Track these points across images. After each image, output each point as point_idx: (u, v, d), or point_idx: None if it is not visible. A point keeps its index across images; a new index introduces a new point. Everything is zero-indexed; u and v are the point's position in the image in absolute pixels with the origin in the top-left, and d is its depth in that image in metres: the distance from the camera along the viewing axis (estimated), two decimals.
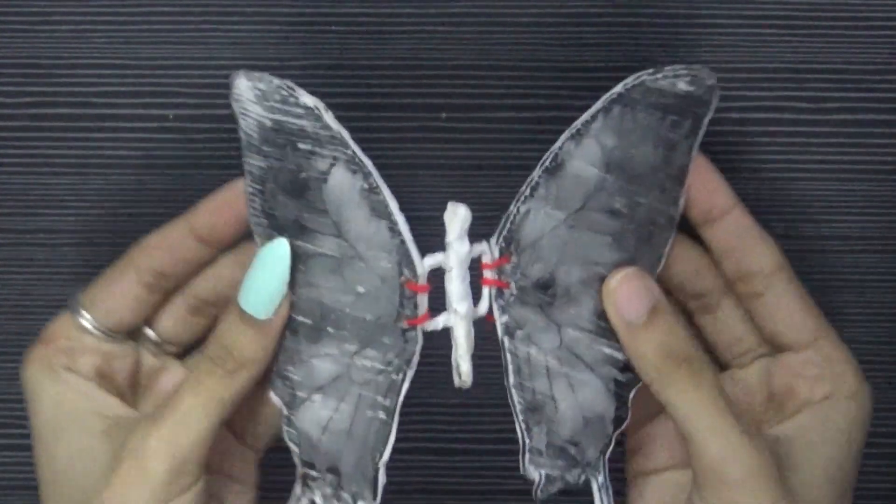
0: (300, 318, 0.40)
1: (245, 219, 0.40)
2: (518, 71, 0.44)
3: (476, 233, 0.40)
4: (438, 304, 0.40)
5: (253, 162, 0.39)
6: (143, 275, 0.41)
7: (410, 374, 0.40)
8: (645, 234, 0.41)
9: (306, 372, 0.40)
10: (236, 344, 0.39)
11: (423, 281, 0.39)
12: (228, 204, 0.40)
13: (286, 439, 0.41)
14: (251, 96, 0.38)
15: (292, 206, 0.39)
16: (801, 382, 0.41)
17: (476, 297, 0.40)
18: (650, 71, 0.40)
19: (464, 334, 0.40)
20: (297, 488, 0.42)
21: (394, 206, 0.39)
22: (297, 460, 0.41)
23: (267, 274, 0.39)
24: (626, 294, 0.40)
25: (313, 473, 0.41)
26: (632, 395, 0.42)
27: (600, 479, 0.43)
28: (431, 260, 0.40)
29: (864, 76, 0.44)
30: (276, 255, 0.39)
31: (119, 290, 0.41)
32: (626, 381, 0.42)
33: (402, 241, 0.39)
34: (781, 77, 0.44)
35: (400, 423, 0.46)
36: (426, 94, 0.44)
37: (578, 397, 0.42)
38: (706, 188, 0.40)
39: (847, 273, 0.45)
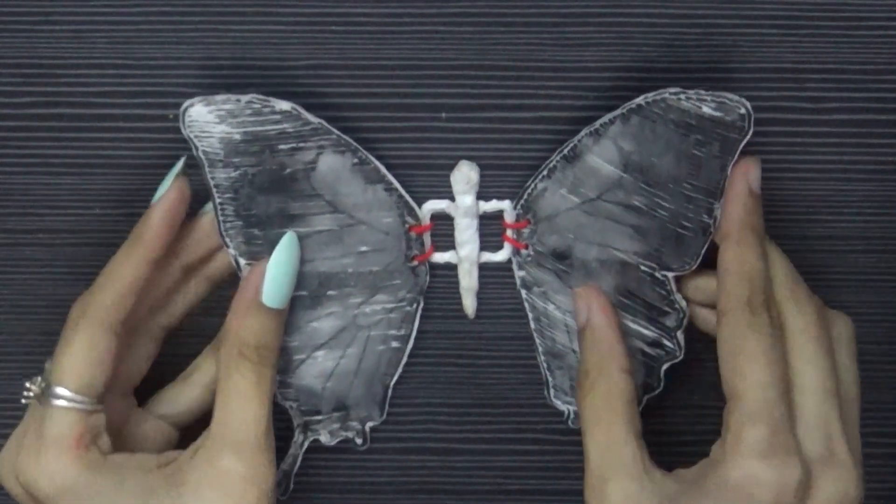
0: (297, 294, 0.43)
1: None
2: (518, 71, 0.44)
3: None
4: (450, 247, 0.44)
5: (220, 175, 0.42)
6: (114, 327, 0.41)
7: (422, 302, 0.44)
8: (671, 234, 0.42)
9: (305, 336, 0.44)
10: (270, 339, 0.41)
11: (425, 222, 0.44)
12: (207, 232, 0.43)
13: (279, 400, 0.44)
14: (212, 118, 0.41)
15: (274, 201, 0.42)
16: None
17: (497, 246, 0.45)
18: (673, 90, 0.40)
19: (465, 274, 0.44)
20: (298, 436, 0.44)
21: (384, 169, 0.43)
22: (295, 413, 0.44)
23: (286, 266, 0.42)
24: (574, 307, 0.43)
25: (317, 418, 0.44)
26: (664, 368, 0.44)
27: None
28: (432, 205, 0.44)
29: (864, 76, 0.44)
30: (289, 247, 0.42)
31: (97, 355, 0.40)
32: (655, 356, 0.43)
33: (400, 196, 0.43)
34: (781, 77, 0.44)
35: (400, 423, 0.47)
36: (426, 94, 0.44)
37: None
38: (726, 208, 0.41)
39: (847, 273, 0.45)
